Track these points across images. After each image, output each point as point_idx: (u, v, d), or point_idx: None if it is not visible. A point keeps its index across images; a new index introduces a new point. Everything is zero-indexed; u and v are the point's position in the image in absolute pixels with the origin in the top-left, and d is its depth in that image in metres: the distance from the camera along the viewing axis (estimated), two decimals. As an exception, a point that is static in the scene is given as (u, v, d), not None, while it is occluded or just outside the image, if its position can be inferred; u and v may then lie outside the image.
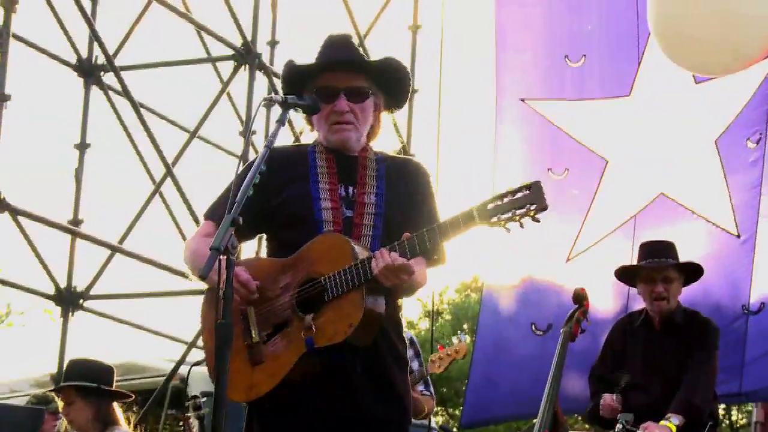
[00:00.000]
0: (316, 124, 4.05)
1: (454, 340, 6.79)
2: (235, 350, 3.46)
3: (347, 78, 4.03)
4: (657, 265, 6.51)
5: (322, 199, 3.95)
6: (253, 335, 3.81)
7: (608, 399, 6.36)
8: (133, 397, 6.59)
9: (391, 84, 4.13)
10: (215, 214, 4.05)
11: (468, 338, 6.44)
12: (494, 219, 3.64)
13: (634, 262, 6.78)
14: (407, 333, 6.73)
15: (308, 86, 4.06)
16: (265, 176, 3.67)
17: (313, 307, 3.78)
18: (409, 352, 6.54)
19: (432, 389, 6.65)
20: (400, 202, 4.02)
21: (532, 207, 3.60)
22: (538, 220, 3.62)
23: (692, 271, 6.68)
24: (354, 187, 4.01)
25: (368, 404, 3.86)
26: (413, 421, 6.43)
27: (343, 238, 3.84)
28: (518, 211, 3.61)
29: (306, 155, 4.05)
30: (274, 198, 3.92)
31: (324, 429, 3.85)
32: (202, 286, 4.01)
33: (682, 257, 6.69)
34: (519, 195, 3.62)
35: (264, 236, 4.20)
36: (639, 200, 8.11)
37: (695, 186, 7.91)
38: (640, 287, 6.62)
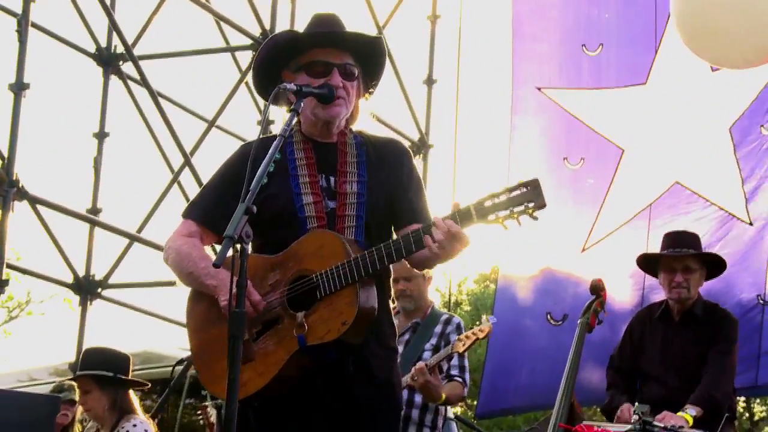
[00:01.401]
0: (304, 104, 3.88)
1: (485, 320, 6.70)
2: (224, 350, 3.39)
3: (339, 55, 3.97)
4: (678, 254, 6.50)
5: (304, 193, 3.90)
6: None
7: (626, 412, 6.33)
8: (149, 385, 6.61)
9: (370, 65, 4.07)
10: (194, 212, 4.03)
11: (495, 319, 6.34)
12: (492, 217, 3.63)
13: (651, 251, 6.77)
14: (456, 318, 6.71)
15: (290, 64, 3.98)
16: (241, 176, 3.58)
17: (305, 305, 3.75)
18: (453, 337, 6.49)
19: (467, 376, 6.55)
20: (383, 188, 3.97)
21: (530, 205, 3.59)
22: (536, 218, 3.61)
23: (714, 264, 6.66)
24: (335, 176, 3.95)
25: (360, 398, 3.83)
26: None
27: (335, 235, 3.81)
28: (516, 209, 3.60)
29: (283, 147, 3.91)
30: (256, 196, 3.71)
31: (318, 423, 3.83)
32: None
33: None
34: (516, 192, 3.60)
35: None
36: (654, 189, 8.09)
37: (709, 174, 7.89)
38: (660, 276, 6.61)
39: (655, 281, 6.95)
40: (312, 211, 3.87)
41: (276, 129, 3.92)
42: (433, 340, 6.52)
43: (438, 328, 6.57)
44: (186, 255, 3.90)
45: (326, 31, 3.99)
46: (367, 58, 4.05)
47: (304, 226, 3.86)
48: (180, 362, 8.62)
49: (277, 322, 3.79)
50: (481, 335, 6.59)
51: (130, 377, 6.42)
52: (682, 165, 8.01)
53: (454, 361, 6.51)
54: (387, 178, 4.00)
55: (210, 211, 3.98)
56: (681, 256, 6.49)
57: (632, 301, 7.94)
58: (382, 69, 4.12)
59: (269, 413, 3.86)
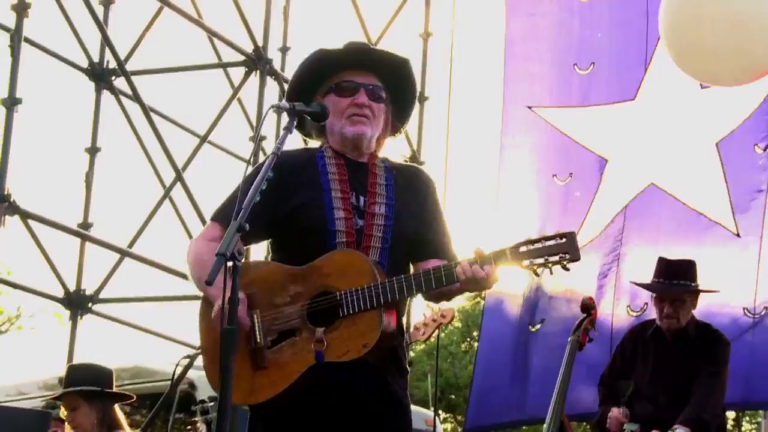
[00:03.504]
0: (330, 122, 3.99)
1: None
2: (239, 352, 3.44)
3: (366, 76, 4.04)
4: (667, 292, 6.49)
5: (336, 208, 3.93)
6: (258, 339, 3.80)
7: (615, 412, 6.35)
8: (134, 398, 6.61)
9: (399, 92, 4.13)
10: (222, 216, 4.04)
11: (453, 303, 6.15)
12: (526, 263, 3.75)
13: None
14: None
15: (321, 87, 4.06)
16: (273, 182, 3.65)
17: (324, 321, 3.78)
18: None
19: None
20: (410, 215, 4.02)
21: (566, 257, 3.73)
22: (568, 269, 3.76)
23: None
24: (364, 195, 4.00)
25: (379, 417, 3.86)
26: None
27: (364, 257, 3.85)
28: (551, 259, 3.73)
29: (314, 160, 4.02)
30: (284, 205, 3.88)
31: None
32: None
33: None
34: (552, 243, 3.73)
35: (269, 240, 4.16)
36: (630, 191, 8.11)
37: (690, 180, 7.92)
38: (653, 301, 6.62)
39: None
40: (342, 227, 3.91)
41: (268, 147, 3.95)
42: None
43: None
44: (200, 260, 3.90)
45: (353, 49, 4.08)
46: (395, 85, 4.11)
47: (332, 239, 3.89)
48: (187, 356, 8.57)
49: (294, 334, 3.81)
50: (444, 321, 6.47)
51: (116, 391, 6.43)
52: (660, 168, 8.03)
53: None
54: (413, 206, 4.05)
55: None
56: (669, 293, 6.49)
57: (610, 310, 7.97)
58: (410, 96, 4.19)
59: (278, 425, 3.86)
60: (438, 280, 3.78)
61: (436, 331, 6.38)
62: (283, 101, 3.88)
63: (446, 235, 4.11)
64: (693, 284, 6.55)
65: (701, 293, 6.64)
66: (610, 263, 7.93)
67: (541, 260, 3.73)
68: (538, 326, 8.20)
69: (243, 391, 3.77)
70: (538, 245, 3.74)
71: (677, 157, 7.99)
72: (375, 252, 3.91)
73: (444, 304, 6.51)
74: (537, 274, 3.77)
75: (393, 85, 4.12)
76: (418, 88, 11.96)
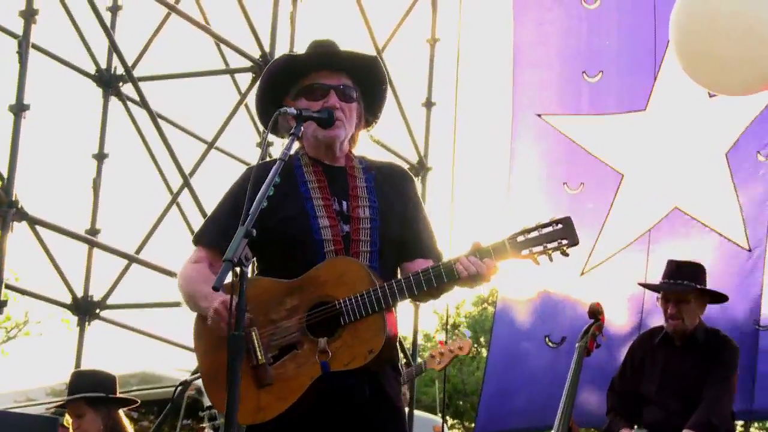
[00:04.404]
0: (303, 127, 3.88)
1: (458, 335, 6.51)
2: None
3: (336, 77, 3.98)
4: (670, 289, 6.50)
5: (320, 216, 3.89)
6: (259, 356, 3.76)
7: None
8: (138, 402, 6.61)
9: (370, 89, 4.07)
10: (204, 239, 4.02)
11: (470, 333, 6.17)
12: (525, 252, 3.73)
13: (649, 277, 6.78)
14: None
15: (291, 89, 4.00)
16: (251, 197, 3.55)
17: (324, 331, 3.75)
18: None
19: None
20: (395, 216, 3.98)
21: (564, 242, 3.72)
22: (567, 255, 3.74)
23: (715, 294, 6.67)
24: (347, 200, 3.95)
25: (376, 421, 3.85)
26: None
27: (358, 263, 3.82)
28: (549, 245, 3.73)
29: (292, 169, 3.96)
30: (267, 218, 3.65)
31: None
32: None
33: None
34: (550, 229, 3.73)
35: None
36: (654, 214, 8.12)
37: (707, 199, 7.92)
38: (659, 303, 6.62)
39: (654, 305, 6.96)
40: (329, 235, 3.87)
41: (275, 152, 3.92)
42: None
43: None
44: (189, 279, 3.91)
45: (320, 52, 4.01)
46: (365, 79, 4.06)
47: (320, 249, 3.85)
48: (182, 384, 8.61)
49: (296, 348, 3.77)
50: (461, 353, 6.48)
51: (120, 396, 6.43)
52: (681, 190, 8.04)
53: None
54: (397, 205, 4.01)
55: (221, 235, 3.87)
56: (673, 291, 6.49)
57: (630, 325, 7.95)
58: (382, 92, 4.13)
59: None
60: (438, 277, 3.74)
61: (450, 361, 6.45)
62: (291, 108, 3.85)
63: (431, 233, 4.07)
64: (698, 285, 6.55)
65: (709, 300, 6.62)
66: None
67: (539, 248, 3.72)
68: (558, 345, 8.21)
69: (249, 411, 3.71)
70: (535, 233, 3.72)
71: (693, 174, 8.00)
72: (365, 256, 3.87)
73: (459, 337, 6.55)
74: (537, 263, 3.74)
75: (363, 80, 4.06)
76: (423, 93, 12.02)
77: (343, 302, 3.74)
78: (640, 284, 6.90)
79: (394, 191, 4.05)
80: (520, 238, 3.73)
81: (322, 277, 3.80)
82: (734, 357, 6.49)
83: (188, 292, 3.92)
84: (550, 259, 3.74)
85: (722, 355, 6.47)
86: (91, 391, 6.27)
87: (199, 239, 4.06)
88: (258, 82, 4.13)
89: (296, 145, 3.97)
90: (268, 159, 4.07)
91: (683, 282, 6.50)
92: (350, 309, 3.73)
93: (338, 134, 3.96)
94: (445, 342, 6.57)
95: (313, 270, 3.81)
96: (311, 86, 3.97)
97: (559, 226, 3.73)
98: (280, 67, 4.05)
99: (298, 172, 3.98)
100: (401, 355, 6.62)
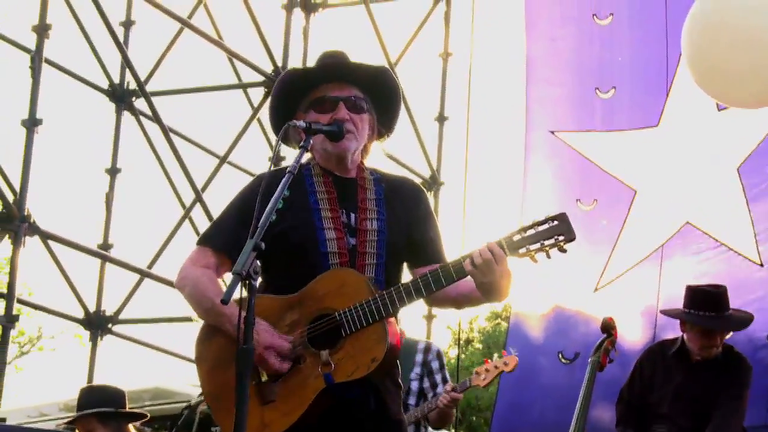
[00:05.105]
0: (314, 139, 3.86)
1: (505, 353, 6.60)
2: None
3: (345, 89, 3.95)
4: (718, 328, 6.40)
5: (326, 228, 3.85)
6: (262, 374, 3.75)
7: None
8: (148, 416, 6.60)
9: (382, 100, 4.03)
10: (211, 242, 3.97)
11: (513, 351, 6.20)
12: (522, 251, 3.69)
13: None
14: (433, 345, 6.75)
15: (302, 102, 3.98)
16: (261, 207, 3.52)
17: (326, 344, 3.72)
18: (435, 364, 6.56)
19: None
20: (402, 228, 3.95)
21: (561, 238, 3.70)
22: (565, 251, 3.71)
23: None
24: (355, 212, 3.92)
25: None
26: None
27: (355, 272, 3.79)
28: (546, 242, 3.69)
29: (302, 179, 3.91)
30: (274, 227, 3.62)
31: None
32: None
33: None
34: (546, 226, 3.70)
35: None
36: (666, 230, 8.09)
37: (719, 214, 7.90)
38: (689, 333, 6.46)
39: (667, 320, 6.90)
40: (334, 247, 3.83)
41: (289, 165, 3.89)
42: (417, 369, 6.57)
43: (419, 357, 6.61)
44: (205, 289, 3.85)
45: (328, 64, 3.99)
46: (377, 90, 4.02)
47: (324, 261, 3.82)
48: (187, 407, 8.60)
49: (298, 362, 3.75)
50: (507, 368, 6.54)
51: (129, 411, 6.43)
52: (693, 205, 8.02)
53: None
54: (405, 217, 3.98)
55: (229, 240, 3.86)
56: (720, 329, 6.39)
57: (644, 340, 7.92)
58: (394, 103, 4.09)
59: None
60: (436, 281, 3.71)
61: (495, 376, 6.54)
62: (300, 121, 3.82)
63: (440, 241, 4.04)
64: (739, 314, 6.51)
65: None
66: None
67: (536, 246, 3.69)
68: (571, 361, 8.18)
69: (254, 428, 3.64)
70: (532, 231, 3.70)
71: (706, 190, 7.99)
72: (371, 269, 3.84)
73: (508, 355, 6.59)
74: (535, 261, 3.70)
75: (375, 91, 4.02)
76: (436, 107, 12.01)
77: (343, 313, 3.71)
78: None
79: (403, 204, 4.01)
80: (517, 237, 3.70)
81: (320, 290, 3.78)
82: (748, 376, 6.45)
83: (205, 305, 3.85)
84: (548, 256, 3.70)
85: (737, 373, 6.42)
86: (101, 406, 6.26)
87: (206, 241, 4.01)
88: (270, 96, 4.12)
89: (308, 155, 3.94)
90: (280, 166, 4.05)
91: (723, 314, 6.38)
92: (350, 319, 3.70)
93: (348, 147, 3.93)
94: (491, 359, 6.67)
95: (312, 283, 3.79)
96: (321, 98, 3.94)
97: (555, 222, 3.71)
98: (289, 80, 4.03)
99: (307, 181, 3.95)
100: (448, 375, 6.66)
